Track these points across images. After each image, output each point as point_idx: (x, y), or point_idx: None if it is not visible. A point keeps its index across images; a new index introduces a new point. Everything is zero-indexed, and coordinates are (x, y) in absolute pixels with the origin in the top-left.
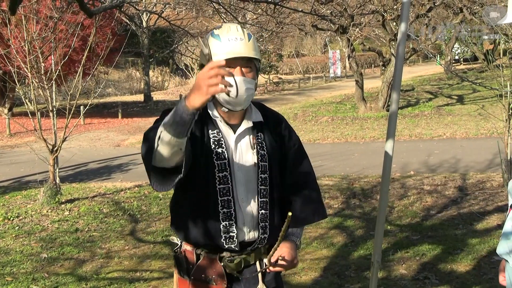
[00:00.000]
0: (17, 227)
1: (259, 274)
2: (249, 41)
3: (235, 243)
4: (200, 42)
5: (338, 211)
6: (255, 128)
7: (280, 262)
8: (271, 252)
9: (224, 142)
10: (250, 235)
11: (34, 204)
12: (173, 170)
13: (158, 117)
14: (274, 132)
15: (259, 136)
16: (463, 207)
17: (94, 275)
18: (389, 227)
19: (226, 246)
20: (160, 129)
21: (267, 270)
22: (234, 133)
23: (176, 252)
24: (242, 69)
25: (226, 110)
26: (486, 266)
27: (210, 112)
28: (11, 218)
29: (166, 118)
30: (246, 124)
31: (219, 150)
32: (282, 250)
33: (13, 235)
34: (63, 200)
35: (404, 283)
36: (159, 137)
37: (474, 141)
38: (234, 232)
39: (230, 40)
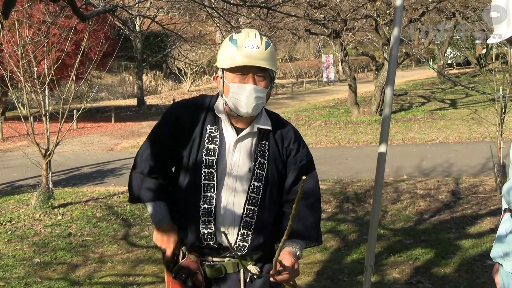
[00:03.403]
0: (10, 231)
1: (241, 284)
2: (265, 50)
3: (213, 241)
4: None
5: (331, 215)
6: (261, 135)
7: (280, 269)
8: (274, 261)
9: (219, 140)
10: (229, 239)
11: (26, 209)
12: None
13: (158, 121)
14: (281, 143)
15: (262, 144)
16: (456, 211)
17: (87, 279)
18: (382, 231)
19: (205, 243)
20: (145, 198)
21: (272, 279)
22: (237, 136)
23: None
24: (255, 77)
25: (235, 114)
26: (479, 270)
27: (216, 110)
28: (4, 223)
29: (150, 208)
30: (250, 129)
31: (211, 146)
32: (281, 256)
33: (6, 240)
34: (56, 205)
35: (397, 287)
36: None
37: (467, 145)
38: (212, 229)
39: (246, 47)
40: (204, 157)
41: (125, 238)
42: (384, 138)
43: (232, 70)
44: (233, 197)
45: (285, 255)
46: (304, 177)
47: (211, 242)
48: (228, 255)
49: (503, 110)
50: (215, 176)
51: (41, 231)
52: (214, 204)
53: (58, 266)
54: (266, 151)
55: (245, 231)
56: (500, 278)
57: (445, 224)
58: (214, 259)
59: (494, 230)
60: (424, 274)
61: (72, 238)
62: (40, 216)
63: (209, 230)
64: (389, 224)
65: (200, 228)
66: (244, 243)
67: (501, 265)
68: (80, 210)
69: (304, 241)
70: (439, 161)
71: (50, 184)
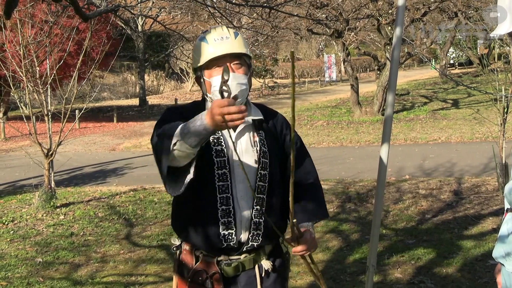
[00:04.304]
0: (12, 231)
1: (258, 279)
2: (235, 38)
3: (233, 241)
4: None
5: (334, 215)
6: (256, 126)
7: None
8: (291, 225)
9: (223, 140)
10: (246, 233)
11: (29, 208)
12: (184, 171)
13: (158, 118)
14: (275, 130)
15: (260, 134)
16: (458, 211)
17: (89, 279)
18: (384, 231)
19: (225, 244)
20: (175, 138)
21: (292, 253)
22: (234, 132)
23: (175, 251)
24: (232, 65)
25: None
26: (481, 270)
27: None
28: (6, 223)
29: (183, 129)
30: (245, 122)
31: (218, 148)
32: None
33: (8, 240)
34: (58, 204)
35: (399, 287)
36: (174, 143)
37: (469, 145)
38: (233, 229)
39: (216, 40)
40: (215, 159)
41: (127, 237)
42: (386, 138)
43: (209, 65)
44: (244, 192)
45: (303, 229)
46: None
47: (231, 243)
48: (245, 248)
49: (505, 110)
50: (228, 176)
51: (43, 230)
52: (232, 204)
53: (60, 265)
54: (264, 140)
55: (257, 220)
56: (502, 278)
57: (447, 224)
58: (231, 257)
59: (496, 230)
60: (426, 274)
61: (74, 238)
62: (42, 215)
63: (230, 231)
64: (391, 224)
65: (220, 230)
66: (258, 231)
67: (503, 265)
68: (82, 210)
69: (311, 222)
70: (441, 161)
71: (52, 184)
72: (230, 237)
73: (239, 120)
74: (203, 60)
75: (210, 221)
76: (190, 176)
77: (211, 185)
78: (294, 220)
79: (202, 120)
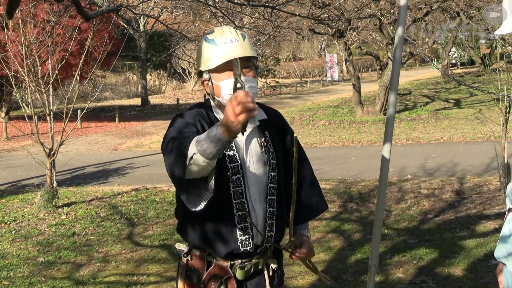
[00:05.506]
0: (14, 231)
1: (267, 279)
2: (244, 41)
3: (251, 245)
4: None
5: (336, 215)
6: (262, 127)
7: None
8: (289, 233)
9: (235, 145)
10: (259, 233)
11: (31, 208)
12: (203, 187)
13: (169, 127)
14: (277, 129)
15: (266, 135)
16: (460, 211)
17: (91, 279)
18: (386, 231)
19: (242, 249)
20: (191, 152)
21: (292, 257)
22: (243, 135)
23: (184, 257)
24: (242, 69)
25: None
26: (483, 270)
27: (217, 116)
28: (8, 222)
29: (199, 142)
30: (253, 124)
31: (231, 153)
32: (298, 244)
33: (10, 239)
34: (60, 204)
35: (401, 287)
36: (191, 157)
37: (471, 145)
38: (250, 234)
39: (226, 43)
40: (229, 165)
41: (129, 237)
42: (388, 137)
43: (219, 69)
44: (257, 195)
45: (298, 238)
46: (295, 135)
47: (248, 248)
48: (259, 251)
49: (508, 110)
50: (242, 181)
51: (45, 230)
52: (247, 210)
53: (62, 265)
54: (270, 140)
55: (271, 221)
56: (504, 278)
57: (449, 223)
58: (244, 260)
59: (498, 230)
60: (428, 273)
61: (76, 238)
62: (44, 215)
63: (247, 236)
64: (393, 223)
65: (238, 236)
66: (271, 233)
67: (505, 265)
68: (84, 210)
69: (307, 225)
70: (443, 161)
71: (54, 184)
72: (247, 242)
73: (254, 112)
74: (214, 64)
75: (227, 227)
76: (210, 195)
77: (226, 191)
78: (293, 239)
79: (218, 129)
